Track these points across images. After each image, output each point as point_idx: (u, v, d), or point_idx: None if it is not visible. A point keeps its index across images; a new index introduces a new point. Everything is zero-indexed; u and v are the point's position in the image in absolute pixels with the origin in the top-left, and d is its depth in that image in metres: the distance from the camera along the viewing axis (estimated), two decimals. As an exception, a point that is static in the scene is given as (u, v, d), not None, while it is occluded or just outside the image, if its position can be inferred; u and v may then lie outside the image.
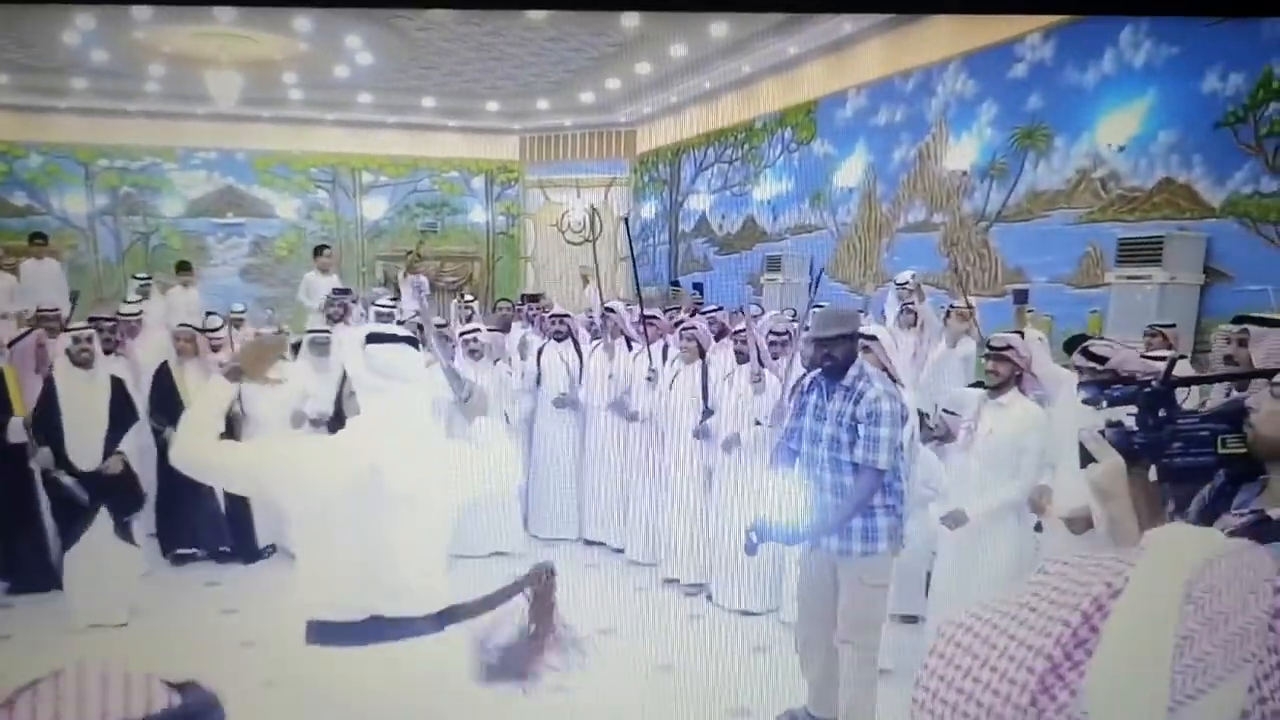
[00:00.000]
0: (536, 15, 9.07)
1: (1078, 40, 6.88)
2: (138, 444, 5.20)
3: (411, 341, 2.44)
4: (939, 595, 4.22)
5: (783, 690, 3.95)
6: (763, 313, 6.61)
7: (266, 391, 5.27)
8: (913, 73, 8.64)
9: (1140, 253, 6.07)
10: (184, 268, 9.67)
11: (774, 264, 10.27)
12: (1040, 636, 0.85)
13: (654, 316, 6.09)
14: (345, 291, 7.90)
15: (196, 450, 2.32)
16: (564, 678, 4.01)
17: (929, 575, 4.42)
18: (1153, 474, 1.72)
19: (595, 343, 6.29)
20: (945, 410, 4.73)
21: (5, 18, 9.09)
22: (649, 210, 14.04)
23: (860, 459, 3.45)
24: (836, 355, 3.50)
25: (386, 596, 2.25)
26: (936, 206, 8.39)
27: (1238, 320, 4.06)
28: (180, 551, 5.71)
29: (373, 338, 2.39)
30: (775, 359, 5.16)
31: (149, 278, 8.96)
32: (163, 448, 5.44)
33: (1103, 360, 3.61)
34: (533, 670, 2.54)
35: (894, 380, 3.85)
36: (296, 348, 6.25)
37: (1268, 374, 1.79)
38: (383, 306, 6.91)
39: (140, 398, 5.38)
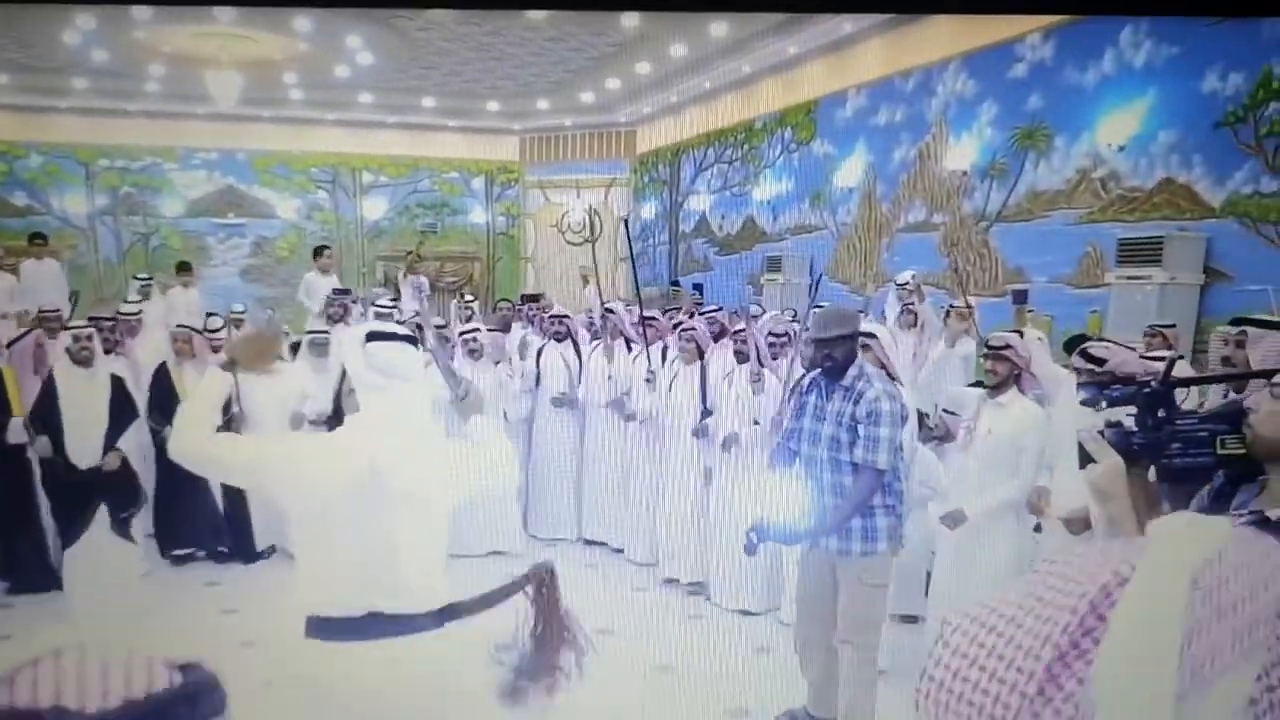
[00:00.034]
0: (536, 15, 9.07)
1: (1078, 40, 6.88)
2: (137, 442, 5.21)
3: (411, 340, 2.44)
4: (938, 595, 4.22)
5: (782, 690, 3.95)
6: (763, 313, 6.61)
7: (265, 390, 5.29)
8: (913, 73, 8.63)
9: (1140, 253, 6.06)
10: (184, 268, 9.67)
11: (774, 264, 10.27)
12: (1048, 626, 0.84)
13: (653, 318, 6.09)
14: (345, 292, 7.90)
15: (194, 443, 2.32)
16: (563, 677, 4.01)
17: (929, 575, 4.42)
18: (1151, 474, 1.72)
19: (595, 343, 6.29)
20: (945, 410, 4.73)
21: (5, 18, 9.09)
22: (649, 210, 14.04)
23: (860, 459, 3.45)
24: (836, 356, 3.50)
25: (386, 594, 2.25)
26: (937, 206, 8.39)
27: (1235, 322, 4.06)
28: (178, 552, 5.71)
29: (372, 336, 2.39)
30: (775, 359, 5.16)
31: (150, 278, 8.97)
32: (160, 447, 5.44)
33: (1101, 362, 3.61)
34: (550, 675, 2.53)
35: (893, 379, 3.85)
36: (295, 348, 6.25)
37: (1267, 374, 1.79)
38: (382, 307, 6.91)
39: (140, 396, 5.39)
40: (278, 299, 13.07)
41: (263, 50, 10.22)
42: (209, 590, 5.39)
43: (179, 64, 10.56)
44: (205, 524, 5.67)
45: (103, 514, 4.84)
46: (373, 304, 7.33)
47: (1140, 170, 6.43)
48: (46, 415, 4.86)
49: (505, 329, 7.34)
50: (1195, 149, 6.05)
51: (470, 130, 14.35)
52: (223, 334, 6.07)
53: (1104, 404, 1.90)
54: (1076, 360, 3.77)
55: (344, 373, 2.47)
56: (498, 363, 6.03)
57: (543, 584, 2.48)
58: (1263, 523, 1.66)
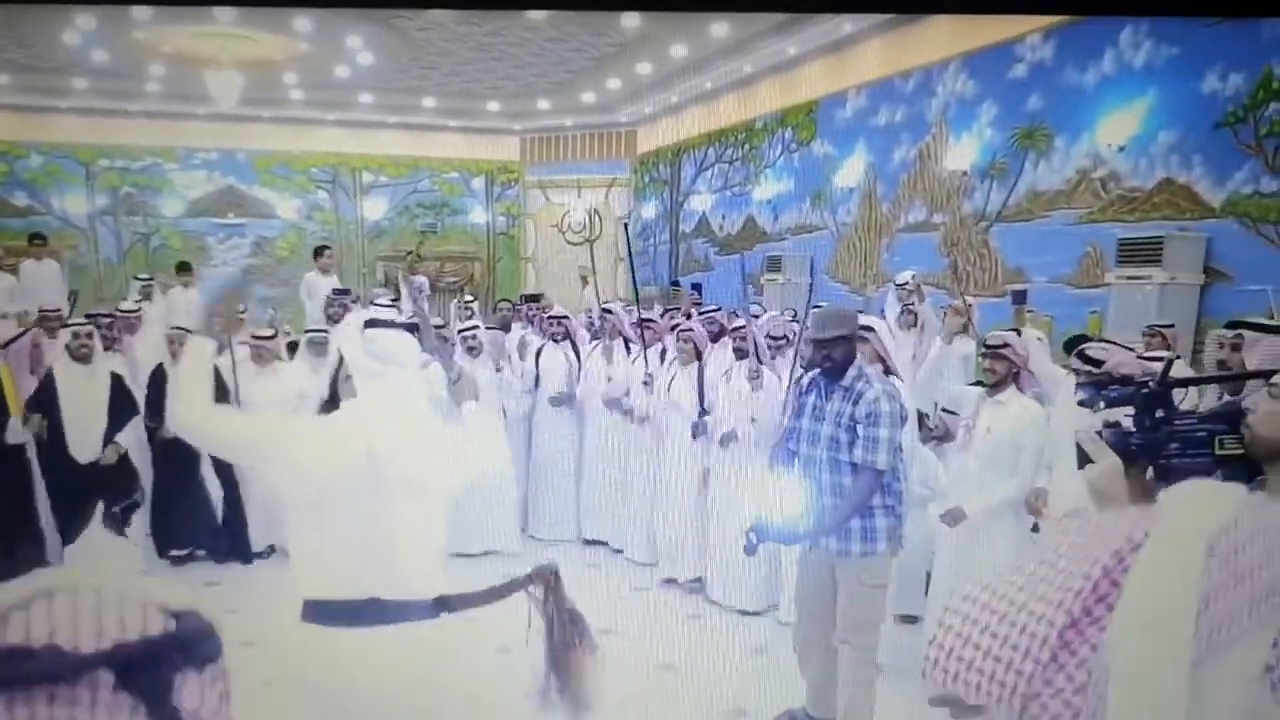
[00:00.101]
0: (537, 15, 9.06)
1: (1078, 40, 6.88)
2: (136, 438, 5.23)
3: (410, 328, 2.45)
4: (938, 595, 4.22)
5: (781, 690, 3.95)
6: (764, 313, 6.61)
7: (263, 389, 5.29)
8: (913, 73, 8.63)
9: (1140, 253, 6.06)
10: (184, 268, 9.67)
11: (774, 264, 10.27)
12: (1061, 591, 0.84)
13: (651, 319, 6.10)
14: (345, 292, 7.90)
15: (192, 412, 2.33)
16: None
17: (928, 575, 4.42)
18: (1150, 475, 1.73)
19: (594, 343, 6.30)
20: (944, 410, 4.73)
21: (5, 18, 9.10)
22: (650, 210, 14.04)
23: (859, 459, 3.45)
24: (835, 356, 3.50)
25: (383, 579, 2.24)
26: (937, 207, 8.39)
27: (1231, 325, 4.06)
28: (176, 553, 5.71)
29: (371, 323, 2.40)
30: (774, 359, 5.17)
31: (151, 278, 8.97)
32: (158, 447, 5.46)
33: (1099, 363, 3.61)
34: (577, 675, 2.52)
35: (890, 372, 3.86)
36: (294, 348, 6.26)
37: (1265, 375, 1.79)
38: (382, 306, 6.90)
39: (139, 394, 5.41)
40: (279, 299, 13.07)
41: (263, 50, 10.22)
42: (209, 590, 5.38)
43: (179, 64, 10.56)
44: (202, 525, 5.67)
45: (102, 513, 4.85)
46: (372, 304, 7.32)
47: (1140, 170, 6.43)
48: (45, 409, 4.89)
49: (505, 329, 7.35)
50: (1195, 149, 6.05)
51: (471, 130, 14.35)
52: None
53: (1102, 405, 1.90)
54: (1074, 361, 3.77)
55: (341, 359, 2.48)
56: (499, 370, 6.02)
57: (549, 587, 2.47)
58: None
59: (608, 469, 6.06)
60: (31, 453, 4.98)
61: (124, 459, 5.00)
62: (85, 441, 4.91)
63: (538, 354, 6.38)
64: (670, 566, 5.52)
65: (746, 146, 11.56)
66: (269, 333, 6.06)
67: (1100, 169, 6.73)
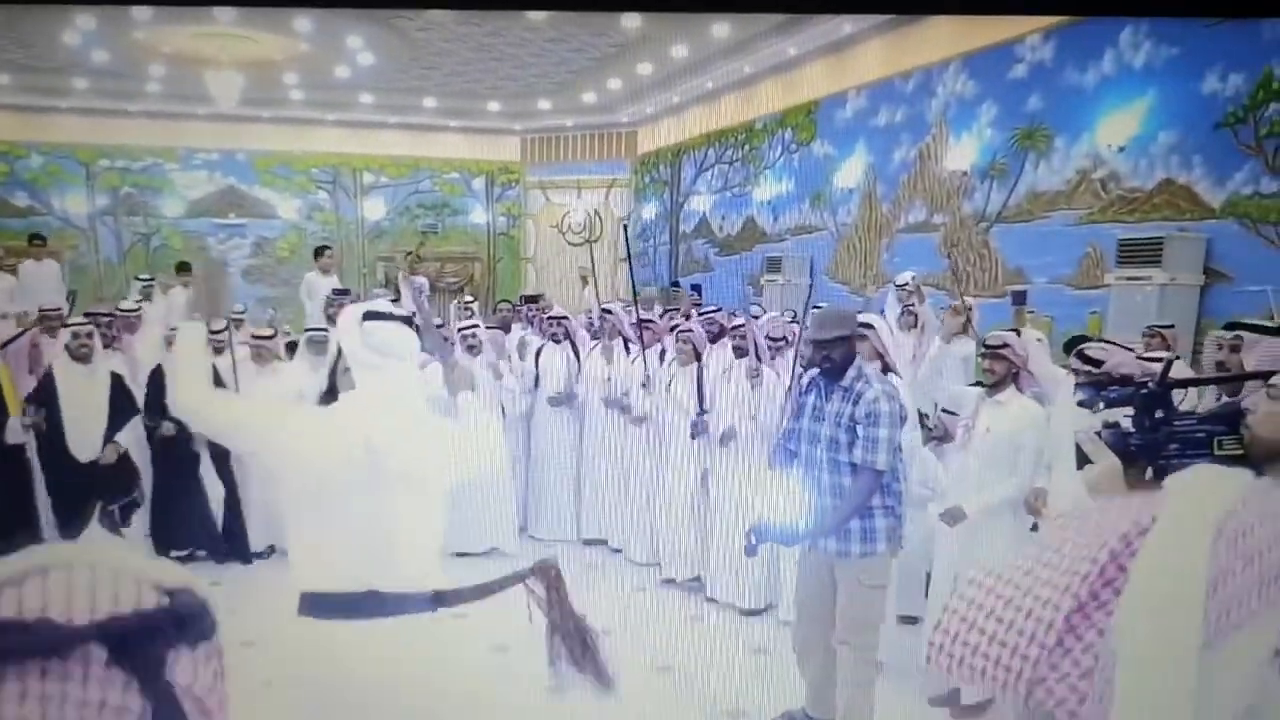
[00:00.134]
0: (537, 16, 9.07)
1: (1078, 41, 6.88)
2: (136, 437, 5.24)
3: (408, 321, 2.45)
4: (938, 595, 4.21)
5: (781, 691, 3.95)
6: (763, 313, 6.62)
7: (263, 389, 5.30)
8: (913, 73, 8.63)
9: (1140, 254, 6.06)
10: (184, 268, 9.67)
11: (774, 265, 10.27)
12: (1067, 576, 0.84)
13: (650, 320, 6.11)
14: (345, 292, 7.89)
15: (192, 396, 2.33)
16: (561, 678, 4.01)
17: (928, 576, 4.42)
18: (1149, 475, 1.72)
19: (594, 343, 6.30)
20: (944, 410, 4.73)
21: (5, 18, 9.10)
22: (650, 211, 14.03)
23: (859, 460, 3.45)
24: (834, 357, 3.50)
25: (381, 572, 2.24)
26: (937, 207, 8.39)
27: (1230, 327, 4.05)
28: (175, 554, 5.71)
29: (370, 315, 2.39)
30: (773, 359, 5.17)
31: (152, 278, 8.97)
32: (157, 446, 5.47)
33: (1098, 364, 3.61)
34: (594, 658, 2.53)
35: (889, 370, 3.86)
36: (293, 348, 6.26)
37: (1263, 376, 1.79)
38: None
39: (138, 393, 5.41)
40: (279, 299, 13.08)
41: (263, 51, 10.22)
42: (210, 591, 5.38)
43: (179, 64, 10.56)
44: (202, 525, 5.68)
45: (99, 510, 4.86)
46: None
47: (1140, 171, 6.43)
48: (44, 408, 4.90)
49: (505, 329, 7.35)
50: (1195, 150, 6.05)
51: (471, 131, 14.35)
52: (224, 335, 6.07)
53: (1101, 405, 1.90)
54: (1074, 361, 3.77)
55: (339, 351, 2.48)
56: (499, 378, 6.02)
57: (551, 584, 2.47)
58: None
59: (607, 469, 6.06)
60: (31, 452, 4.99)
61: (124, 458, 5.01)
62: (85, 441, 4.93)
63: (537, 354, 6.38)
64: (669, 566, 5.52)
65: (746, 147, 11.56)
66: (268, 332, 6.06)
67: (1100, 169, 6.73)
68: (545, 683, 4.07)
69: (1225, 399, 3.17)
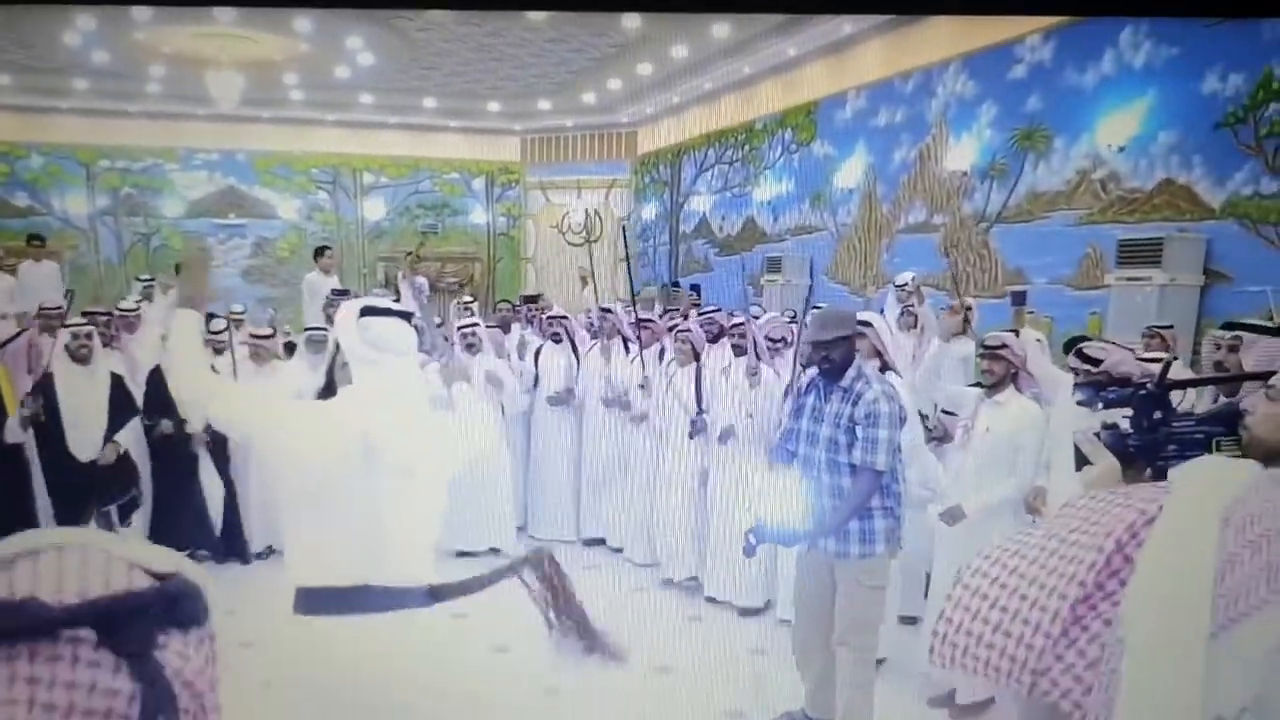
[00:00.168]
0: (537, 16, 9.07)
1: (1077, 41, 6.88)
2: (135, 438, 5.24)
3: (406, 316, 2.45)
4: (938, 596, 4.21)
5: (780, 692, 3.95)
6: (763, 313, 6.62)
7: (261, 389, 5.29)
8: (913, 74, 8.63)
9: (1140, 254, 6.06)
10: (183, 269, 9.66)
11: (774, 265, 10.27)
12: (1073, 565, 0.83)
13: (649, 320, 6.12)
14: (344, 293, 7.89)
15: (193, 380, 2.33)
16: (560, 678, 4.01)
17: (928, 577, 4.43)
18: (1148, 477, 1.72)
19: (593, 343, 6.31)
20: (943, 410, 4.73)
21: (6, 18, 9.10)
22: (650, 211, 14.04)
23: (859, 461, 3.45)
24: (834, 358, 3.50)
25: (377, 566, 2.24)
26: (937, 208, 8.39)
27: (1227, 326, 4.05)
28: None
29: (367, 310, 2.40)
30: (772, 360, 5.18)
31: (153, 279, 8.97)
32: (156, 444, 5.47)
33: (1097, 362, 3.61)
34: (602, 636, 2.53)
35: (888, 367, 3.85)
36: (291, 349, 6.26)
37: (1262, 377, 1.79)
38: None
39: (138, 393, 5.42)
40: (279, 299, 13.08)
41: (263, 51, 10.22)
42: (202, 575, 5.38)
43: (179, 65, 10.56)
44: (201, 525, 5.68)
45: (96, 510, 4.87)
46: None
47: (1140, 171, 6.43)
48: (43, 407, 4.90)
49: (505, 329, 7.35)
50: (1195, 150, 6.05)
51: (471, 131, 14.35)
52: (224, 336, 6.08)
53: (1100, 406, 1.90)
54: (1073, 360, 3.76)
55: (337, 346, 2.48)
56: (501, 385, 6.02)
57: (546, 576, 2.47)
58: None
59: (607, 469, 6.07)
60: (31, 452, 4.99)
61: (123, 458, 5.01)
62: (85, 440, 4.94)
63: (537, 354, 6.39)
64: (668, 566, 5.52)
65: (746, 147, 11.56)
66: (267, 332, 6.07)
67: (1100, 170, 6.73)
68: (545, 682, 4.08)
69: (1224, 399, 3.17)
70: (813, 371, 3.67)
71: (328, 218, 14.40)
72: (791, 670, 3.85)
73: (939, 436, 4.59)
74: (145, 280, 8.78)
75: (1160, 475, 1.70)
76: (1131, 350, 3.93)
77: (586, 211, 14.47)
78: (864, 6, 7.34)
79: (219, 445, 5.60)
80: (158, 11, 8.76)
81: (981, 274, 7.78)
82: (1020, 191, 7.44)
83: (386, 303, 2.53)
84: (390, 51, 10.48)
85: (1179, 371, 4.11)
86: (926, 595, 4.44)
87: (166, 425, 5.42)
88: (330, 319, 6.99)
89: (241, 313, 7.53)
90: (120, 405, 5.09)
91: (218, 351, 5.87)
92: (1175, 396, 1.93)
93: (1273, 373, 1.73)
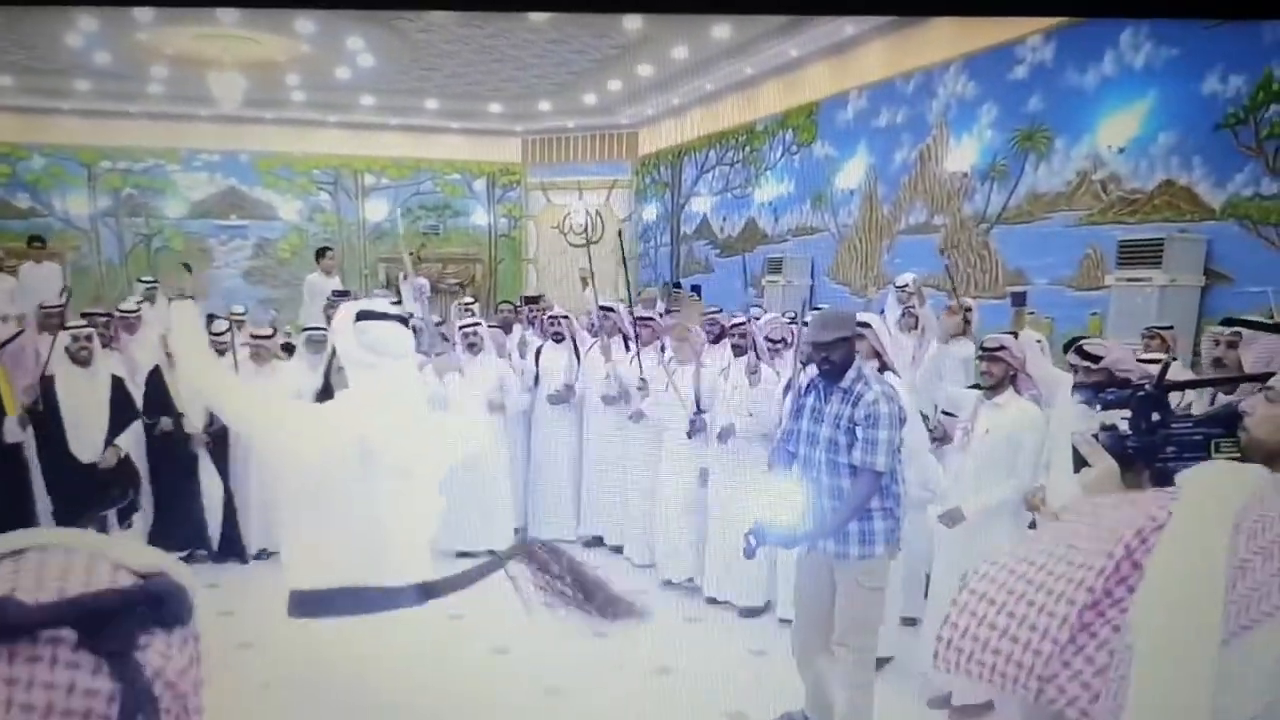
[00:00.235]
0: (538, 17, 9.07)
1: (1078, 42, 6.87)
2: (136, 440, 5.25)
3: (402, 320, 2.45)
4: (937, 596, 4.21)
5: (780, 692, 3.95)
6: (764, 313, 6.62)
7: (261, 389, 5.30)
8: (913, 75, 8.63)
9: (1140, 255, 6.05)
10: (186, 270, 9.67)
11: (775, 266, 10.27)
12: (1082, 571, 0.82)
13: (649, 318, 6.13)
14: (345, 294, 7.90)
15: (200, 370, 2.34)
16: (560, 678, 4.02)
17: (928, 577, 4.43)
18: (1146, 478, 1.72)
19: (593, 341, 6.32)
20: (943, 412, 4.73)
21: (7, 19, 9.11)
22: (651, 212, 14.04)
23: (858, 461, 3.45)
24: (834, 359, 3.50)
25: (372, 569, 2.25)
26: (937, 208, 8.39)
27: (1226, 322, 4.03)
28: (175, 555, 5.71)
29: (363, 314, 2.40)
30: (772, 360, 5.18)
31: (155, 281, 8.98)
32: (156, 443, 5.48)
33: (1097, 359, 3.60)
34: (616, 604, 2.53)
35: (886, 368, 3.85)
36: (291, 349, 6.27)
37: (1261, 378, 1.78)
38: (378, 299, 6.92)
39: (138, 394, 5.43)
40: (280, 300, 13.09)
41: (265, 52, 10.23)
42: (208, 592, 5.38)
43: (181, 66, 10.57)
44: (201, 526, 5.68)
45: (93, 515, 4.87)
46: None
47: (1140, 172, 6.42)
48: (44, 408, 4.91)
49: (506, 330, 7.36)
50: (1195, 151, 6.04)
51: (472, 132, 14.35)
52: (226, 337, 6.08)
53: (1098, 407, 1.90)
54: (1072, 357, 3.75)
55: (334, 350, 2.49)
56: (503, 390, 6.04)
57: (541, 560, 2.46)
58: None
59: (607, 469, 6.07)
60: (30, 452, 4.99)
61: (124, 461, 5.02)
62: (86, 440, 4.94)
63: (537, 353, 6.40)
64: (668, 567, 5.52)
65: (747, 148, 11.56)
66: (267, 332, 6.07)
67: (1100, 171, 6.73)
68: (545, 682, 4.08)
69: (1222, 397, 3.16)
70: (812, 372, 3.67)
71: (329, 219, 14.40)
72: (791, 670, 3.85)
73: (939, 437, 4.59)
74: (148, 282, 8.79)
75: (1159, 477, 1.70)
76: (1132, 348, 3.93)
77: (587, 212, 14.48)
78: (865, 8, 7.34)
79: (218, 445, 5.61)
80: (159, 12, 8.77)
81: (982, 275, 7.78)
82: (1021, 192, 7.44)
83: (382, 306, 2.53)
84: (391, 53, 10.49)
85: (1178, 372, 4.12)
86: (926, 596, 4.44)
87: (166, 423, 5.42)
88: (330, 320, 7.01)
89: (243, 313, 7.54)
90: (121, 408, 5.10)
91: (220, 352, 5.87)
92: (1174, 396, 1.93)
93: (1271, 374, 1.73)
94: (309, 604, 2.24)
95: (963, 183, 8.05)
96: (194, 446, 5.57)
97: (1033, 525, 3.92)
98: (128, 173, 13.38)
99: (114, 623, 0.64)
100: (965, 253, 7.91)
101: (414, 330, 2.51)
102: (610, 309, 6.29)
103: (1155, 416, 1.73)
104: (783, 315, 5.98)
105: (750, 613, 5.12)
